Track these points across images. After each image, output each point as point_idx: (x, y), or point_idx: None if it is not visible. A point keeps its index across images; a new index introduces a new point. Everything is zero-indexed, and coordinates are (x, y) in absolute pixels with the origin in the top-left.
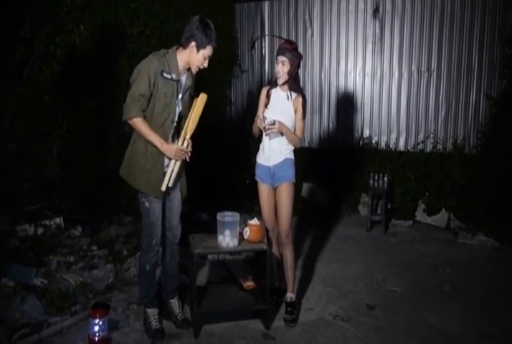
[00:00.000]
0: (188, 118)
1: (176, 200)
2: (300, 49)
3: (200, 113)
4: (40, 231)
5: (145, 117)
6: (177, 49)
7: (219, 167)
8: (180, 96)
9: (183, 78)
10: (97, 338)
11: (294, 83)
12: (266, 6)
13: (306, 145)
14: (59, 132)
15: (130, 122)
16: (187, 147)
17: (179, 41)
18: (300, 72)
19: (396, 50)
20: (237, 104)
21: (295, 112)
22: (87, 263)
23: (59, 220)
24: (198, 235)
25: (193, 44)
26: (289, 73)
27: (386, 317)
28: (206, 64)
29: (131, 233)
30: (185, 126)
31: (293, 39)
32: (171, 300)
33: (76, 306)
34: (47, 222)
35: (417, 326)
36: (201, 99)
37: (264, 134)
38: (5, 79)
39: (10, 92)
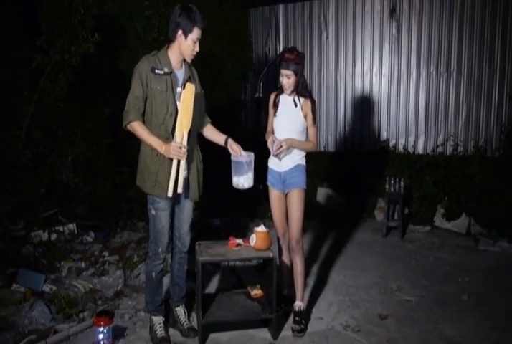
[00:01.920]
0: (179, 113)
1: (186, 209)
2: (315, 52)
3: (191, 105)
4: (54, 236)
5: (143, 121)
6: (168, 46)
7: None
8: (178, 89)
9: (180, 72)
10: None
11: (301, 88)
12: (280, 9)
13: (322, 148)
14: (74, 138)
15: (129, 127)
16: (183, 143)
17: (168, 37)
18: (315, 75)
19: (414, 50)
20: (252, 109)
21: (305, 117)
22: (98, 269)
23: (72, 226)
24: (204, 242)
25: (179, 32)
26: (296, 83)
27: (399, 328)
28: (197, 49)
29: (143, 239)
30: (178, 121)
31: (308, 42)
32: (177, 308)
33: (84, 313)
34: (61, 228)
35: (432, 338)
36: (188, 90)
37: (276, 158)
38: (22, 89)
39: (27, 101)
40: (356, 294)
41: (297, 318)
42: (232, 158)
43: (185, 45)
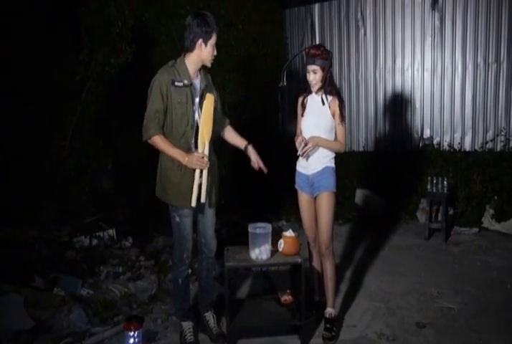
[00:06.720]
0: (200, 124)
1: (209, 213)
2: (353, 50)
3: (211, 115)
4: (94, 242)
5: (164, 133)
6: (184, 55)
7: (272, 176)
8: (197, 100)
9: (197, 81)
10: None
11: (329, 85)
12: (316, 8)
13: (361, 149)
14: (113, 147)
15: (150, 142)
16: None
17: (184, 48)
18: (353, 73)
19: (459, 41)
20: (288, 110)
21: (333, 115)
22: (134, 273)
23: (111, 231)
24: (233, 247)
25: (199, 41)
26: (322, 79)
27: (437, 338)
28: (215, 52)
29: None
30: (200, 132)
31: (345, 40)
32: (206, 313)
33: (119, 316)
34: (101, 234)
35: None
36: (208, 101)
37: (302, 158)
38: (67, 101)
39: (71, 113)
40: (392, 300)
41: (328, 325)
42: (250, 230)
43: (206, 52)
